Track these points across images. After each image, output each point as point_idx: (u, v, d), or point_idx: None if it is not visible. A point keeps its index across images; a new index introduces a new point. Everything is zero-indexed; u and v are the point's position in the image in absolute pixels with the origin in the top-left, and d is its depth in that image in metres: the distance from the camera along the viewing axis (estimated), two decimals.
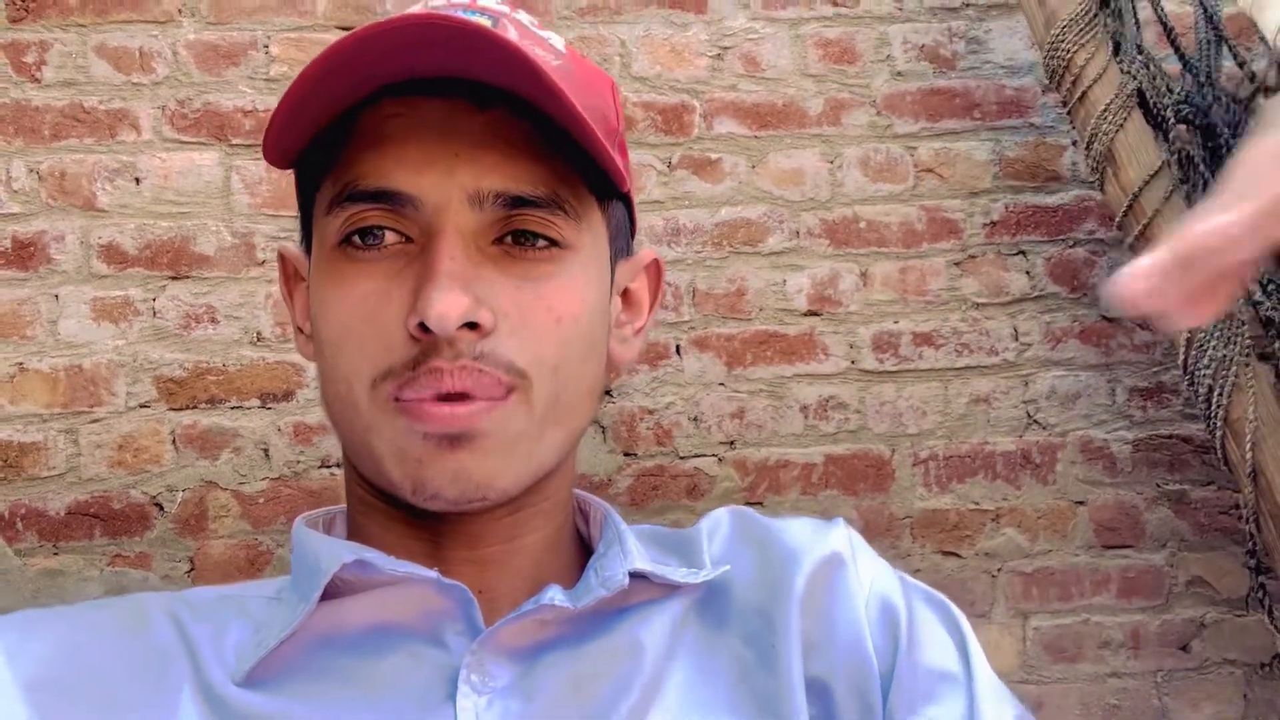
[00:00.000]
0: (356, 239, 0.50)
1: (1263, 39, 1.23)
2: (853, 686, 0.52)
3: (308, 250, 0.55)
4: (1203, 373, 1.18)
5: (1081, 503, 1.52)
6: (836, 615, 0.54)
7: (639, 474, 1.49)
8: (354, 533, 0.56)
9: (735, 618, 0.54)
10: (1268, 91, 1.33)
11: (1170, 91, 1.29)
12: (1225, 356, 1.17)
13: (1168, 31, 1.35)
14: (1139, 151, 1.23)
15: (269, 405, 1.46)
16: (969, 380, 1.53)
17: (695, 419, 1.50)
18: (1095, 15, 1.25)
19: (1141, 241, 1.25)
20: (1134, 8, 1.31)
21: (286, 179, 1.48)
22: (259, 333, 1.46)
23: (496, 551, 0.53)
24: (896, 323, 1.53)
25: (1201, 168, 1.25)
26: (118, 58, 1.47)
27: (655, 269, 0.61)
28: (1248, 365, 1.17)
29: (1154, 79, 1.27)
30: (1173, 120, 1.27)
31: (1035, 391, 1.53)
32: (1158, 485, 1.53)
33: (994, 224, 1.55)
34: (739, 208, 1.53)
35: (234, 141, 1.48)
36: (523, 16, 0.54)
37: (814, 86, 1.55)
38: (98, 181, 1.46)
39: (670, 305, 1.51)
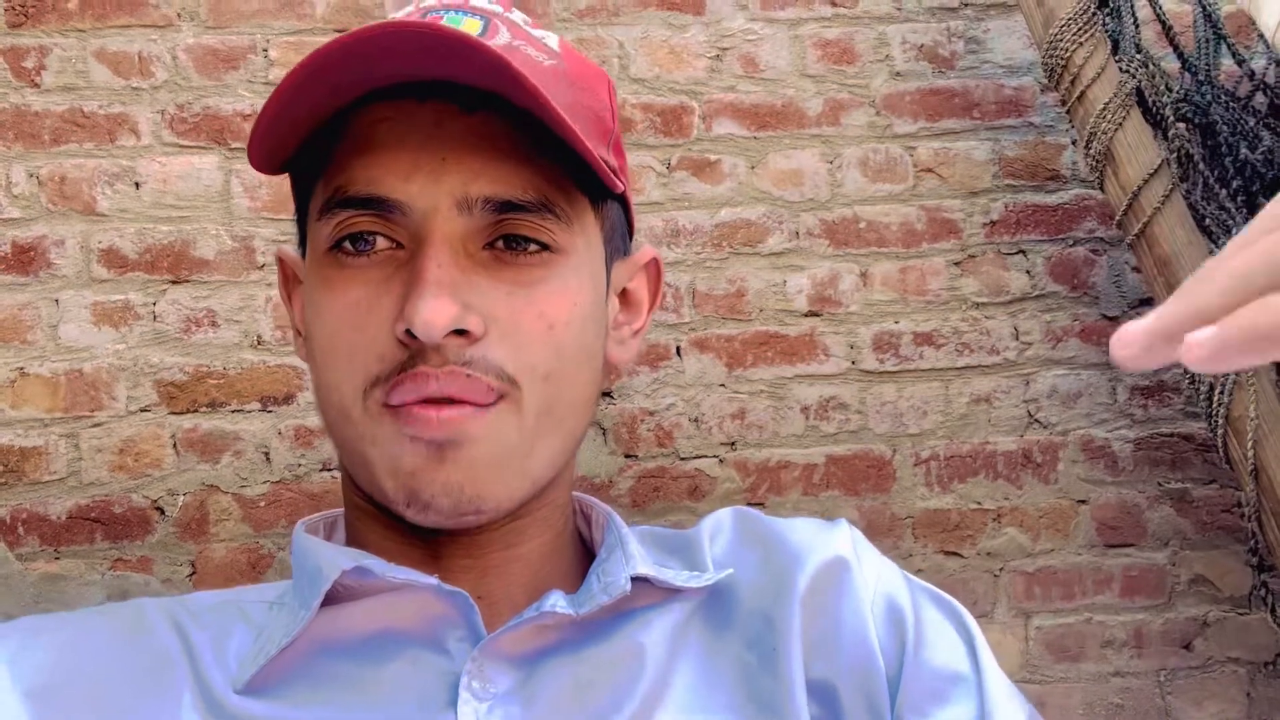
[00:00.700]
0: (347, 245, 0.50)
1: (1261, 37, 1.23)
2: (859, 688, 0.52)
3: (304, 252, 0.55)
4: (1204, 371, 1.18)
5: (1083, 502, 1.52)
6: (841, 617, 0.54)
7: (640, 475, 1.49)
8: (353, 538, 0.56)
9: (738, 620, 0.54)
10: (1267, 89, 1.33)
11: (1169, 90, 1.29)
12: None
13: (1166, 30, 1.35)
14: (1138, 150, 1.23)
15: (269, 408, 1.46)
16: (970, 380, 1.53)
17: (696, 420, 1.50)
18: (1093, 14, 1.25)
19: (1141, 240, 1.25)
20: (1132, 6, 1.31)
21: (286, 183, 1.48)
22: (259, 336, 1.46)
23: (496, 559, 0.53)
24: (897, 323, 1.53)
25: (1201, 166, 1.25)
26: (117, 62, 1.48)
27: (654, 267, 0.61)
28: None
29: (1153, 77, 1.27)
30: (1172, 118, 1.27)
31: (1036, 391, 1.53)
32: (1159, 484, 1.52)
33: (994, 223, 1.55)
34: (738, 209, 1.53)
35: (233, 145, 1.48)
36: (516, 16, 0.54)
37: (813, 87, 1.55)
38: (98, 186, 1.46)
39: (670, 306, 1.51)
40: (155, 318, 1.45)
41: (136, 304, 1.45)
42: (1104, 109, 1.23)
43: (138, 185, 1.47)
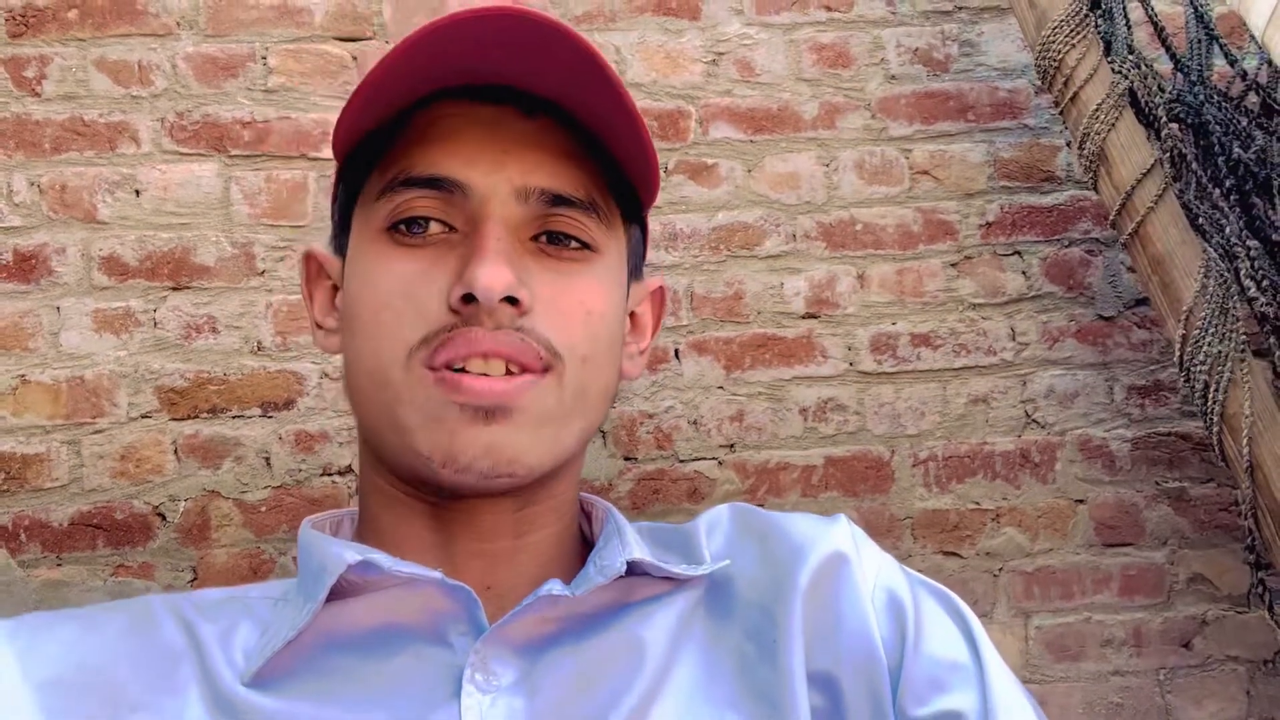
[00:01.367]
0: (403, 227, 0.52)
1: (1253, 37, 1.23)
2: (860, 679, 0.53)
3: (338, 248, 0.57)
4: (1199, 369, 1.19)
5: (1081, 501, 1.52)
6: (841, 610, 0.54)
7: (640, 478, 1.49)
8: (365, 527, 0.57)
9: (738, 612, 0.55)
10: (1259, 89, 1.34)
11: (1162, 90, 1.30)
12: (1221, 352, 1.17)
13: (1159, 31, 1.36)
14: (1131, 150, 1.24)
15: (270, 414, 1.46)
16: (967, 380, 1.53)
17: (695, 422, 1.50)
18: (1086, 16, 1.26)
19: (1135, 240, 1.26)
20: (1125, 8, 1.31)
21: (285, 189, 1.49)
22: (259, 342, 1.47)
23: (505, 546, 0.54)
24: (894, 324, 1.53)
25: (1194, 165, 1.25)
26: (117, 71, 1.48)
27: (659, 296, 0.65)
28: (1243, 361, 1.18)
29: (1145, 78, 1.28)
30: (1164, 119, 1.27)
31: (1033, 391, 1.53)
32: (1157, 483, 1.53)
33: (989, 225, 1.55)
34: (736, 212, 1.53)
35: (233, 153, 1.49)
36: None
37: (809, 91, 1.56)
38: (98, 194, 1.47)
39: (669, 309, 1.52)
40: (156, 324, 1.46)
41: (137, 311, 1.46)
42: (1097, 110, 1.24)
43: (138, 193, 1.48)
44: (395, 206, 0.52)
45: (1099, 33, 1.29)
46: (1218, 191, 1.24)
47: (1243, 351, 1.18)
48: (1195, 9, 1.34)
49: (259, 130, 1.49)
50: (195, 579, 1.44)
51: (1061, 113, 1.31)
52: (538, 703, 0.49)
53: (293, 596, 0.54)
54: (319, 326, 0.59)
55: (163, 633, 0.51)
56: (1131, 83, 1.26)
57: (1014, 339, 1.54)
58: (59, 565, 1.42)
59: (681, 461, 1.50)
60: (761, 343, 1.52)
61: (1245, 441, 1.14)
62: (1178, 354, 1.21)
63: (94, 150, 1.47)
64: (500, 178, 0.52)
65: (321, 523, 0.58)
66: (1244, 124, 1.28)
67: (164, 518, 1.44)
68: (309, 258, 0.61)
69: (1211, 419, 1.18)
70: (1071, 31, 1.25)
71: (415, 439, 0.50)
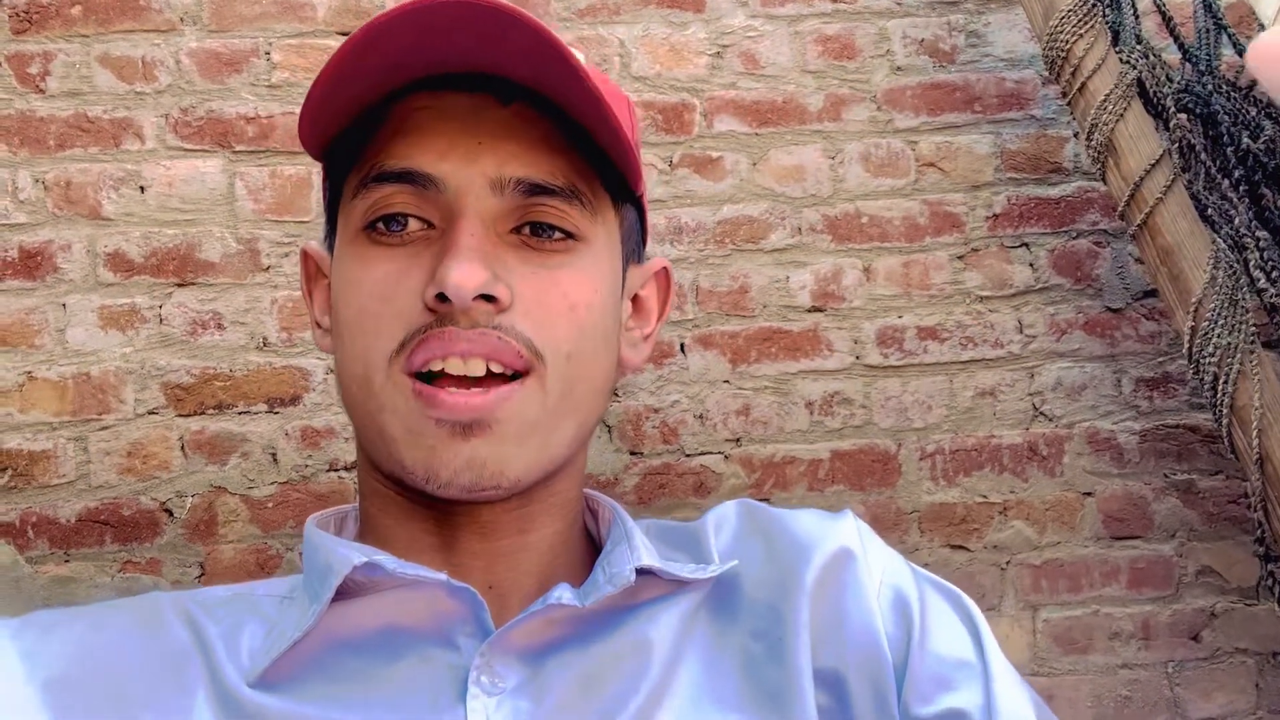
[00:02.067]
0: (380, 225, 0.51)
1: (1262, 26, 1.22)
2: (866, 676, 0.52)
3: (330, 246, 0.56)
4: (1208, 360, 1.18)
5: (1089, 494, 1.52)
6: (847, 607, 0.54)
7: (646, 472, 1.49)
8: (366, 526, 0.57)
9: (743, 611, 0.55)
10: None
11: (1170, 81, 1.29)
12: (1230, 344, 1.16)
13: (1167, 21, 1.35)
14: (1139, 141, 1.23)
15: (276, 410, 1.46)
16: (974, 373, 1.53)
17: (701, 417, 1.50)
18: (1093, 5, 1.25)
19: (1144, 231, 1.25)
20: None
21: (290, 185, 1.49)
22: (265, 338, 1.47)
23: (507, 545, 0.54)
24: (900, 317, 1.53)
25: (1202, 156, 1.25)
26: (121, 67, 1.48)
27: (665, 277, 0.63)
28: (1253, 352, 1.17)
29: (1153, 68, 1.27)
30: (1173, 109, 1.27)
31: (1041, 383, 1.53)
32: (1165, 475, 1.52)
33: (996, 217, 1.55)
34: (741, 205, 1.53)
35: (237, 148, 1.49)
36: None
37: (814, 83, 1.55)
38: (103, 190, 1.47)
39: (674, 303, 1.51)
40: (162, 320, 1.46)
41: (143, 307, 1.46)
42: (1105, 100, 1.23)
43: (143, 189, 1.48)
44: (371, 204, 0.51)
45: (1106, 22, 1.29)
46: (1226, 182, 1.23)
47: (1252, 343, 1.17)
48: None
49: (263, 125, 1.49)
50: (203, 575, 1.44)
51: (1069, 103, 1.30)
52: (544, 706, 0.49)
53: (298, 595, 0.54)
54: (318, 326, 0.59)
55: (170, 632, 0.51)
56: (1140, 73, 1.25)
57: (1021, 331, 1.53)
58: (67, 561, 1.42)
59: (687, 456, 1.50)
60: (767, 336, 1.52)
61: (1255, 433, 1.14)
62: (1186, 346, 1.20)
63: (98, 147, 1.47)
64: (474, 170, 0.50)
65: (326, 520, 0.58)
66: (1253, 114, 1.27)
67: (171, 514, 1.44)
68: (306, 256, 0.60)
69: (1221, 411, 1.17)
70: (1079, 21, 1.24)
71: (399, 449, 0.50)
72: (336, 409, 1.46)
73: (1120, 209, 1.26)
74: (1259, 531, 1.23)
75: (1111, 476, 1.52)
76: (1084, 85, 1.25)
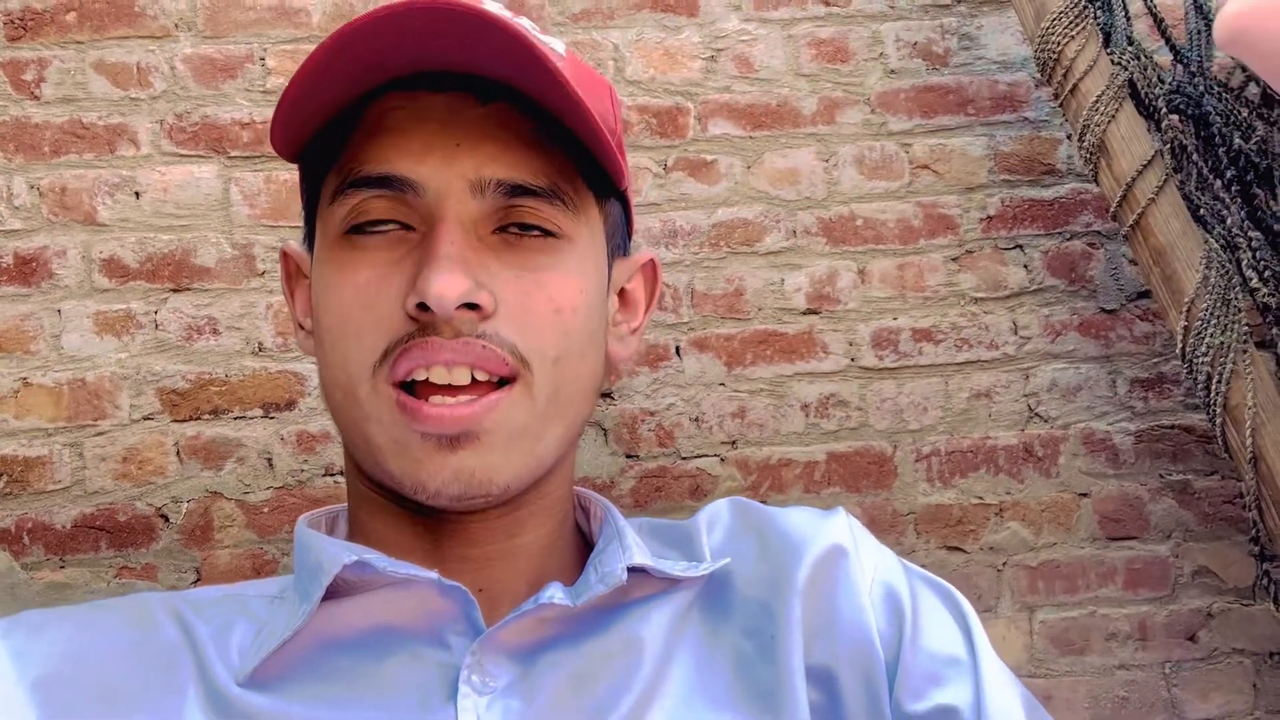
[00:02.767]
0: (360, 229, 0.50)
1: None
2: (858, 673, 0.52)
3: (311, 247, 0.56)
4: (1201, 360, 1.18)
5: (1085, 495, 1.52)
6: (839, 604, 0.54)
7: (641, 475, 1.49)
8: (356, 529, 0.56)
9: (736, 609, 0.55)
10: (1259, 80, 1.33)
11: (1162, 82, 1.29)
12: (1223, 343, 1.17)
13: (1158, 22, 1.35)
14: (1131, 142, 1.23)
15: (272, 415, 1.46)
16: (969, 375, 1.53)
17: (696, 419, 1.50)
18: (1084, 7, 1.26)
19: (1136, 232, 1.26)
20: (1123, 0, 1.31)
21: (285, 190, 1.49)
22: (260, 343, 1.47)
23: (497, 549, 0.53)
24: (895, 319, 1.53)
25: (1194, 156, 1.25)
26: (115, 73, 1.49)
27: (651, 269, 0.62)
28: (1245, 352, 1.17)
29: (1145, 70, 1.27)
30: (1164, 110, 1.27)
31: (1036, 385, 1.53)
32: (1161, 476, 1.52)
33: (990, 218, 1.55)
34: (735, 208, 1.53)
35: (232, 154, 1.49)
36: (524, 22, 0.55)
37: (808, 86, 1.56)
38: (98, 196, 1.47)
39: (669, 306, 1.51)
40: (157, 326, 1.46)
41: (138, 313, 1.46)
42: (1096, 102, 1.23)
43: (138, 195, 1.48)
44: (350, 210, 0.50)
45: (1098, 24, 1.29)
46: (1219, 182, 1.23)
47: (1245, 342, 1.18)
48: (1196, 3, 1.34)
49: (258, 131, 1.49)
50: (198, 580, 1.44)
51: (1061, 105, 1.31)
52: (535, 704, 0.49)
53: (289, 595, 0.53)
54: (300, 327, 0.58)
55: (160, 631, 0.51)
56: (1131, 74, 1.26)
57: (1016, 333, 1.53)
58: (62, 568, 1.42)
59: (683, 459, 1.50)
60: (763, 339, 1.52)
61: (1248, 432, 1.14)
62: (1180, 345, 1.21)
63: (93, 153, 1.47)
64: (453, 172, 0.49)
65: (317, 520, 0.58)
66: (1245, 114, 1.27)
67: (167, 519, 1.44)
68: (286, 256, 0.59)
69: (1214, 410, 1.17)
70: (1070, 23, 1.25)
71: (386, 459, 0.50)
72: None
73: (1113, 210, 1.27)
74: (1254, 531, 1.23)
75: (1107, 477, 1.52)
76: (1076, 87, 1.26)
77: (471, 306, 0.48)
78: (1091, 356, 1.54)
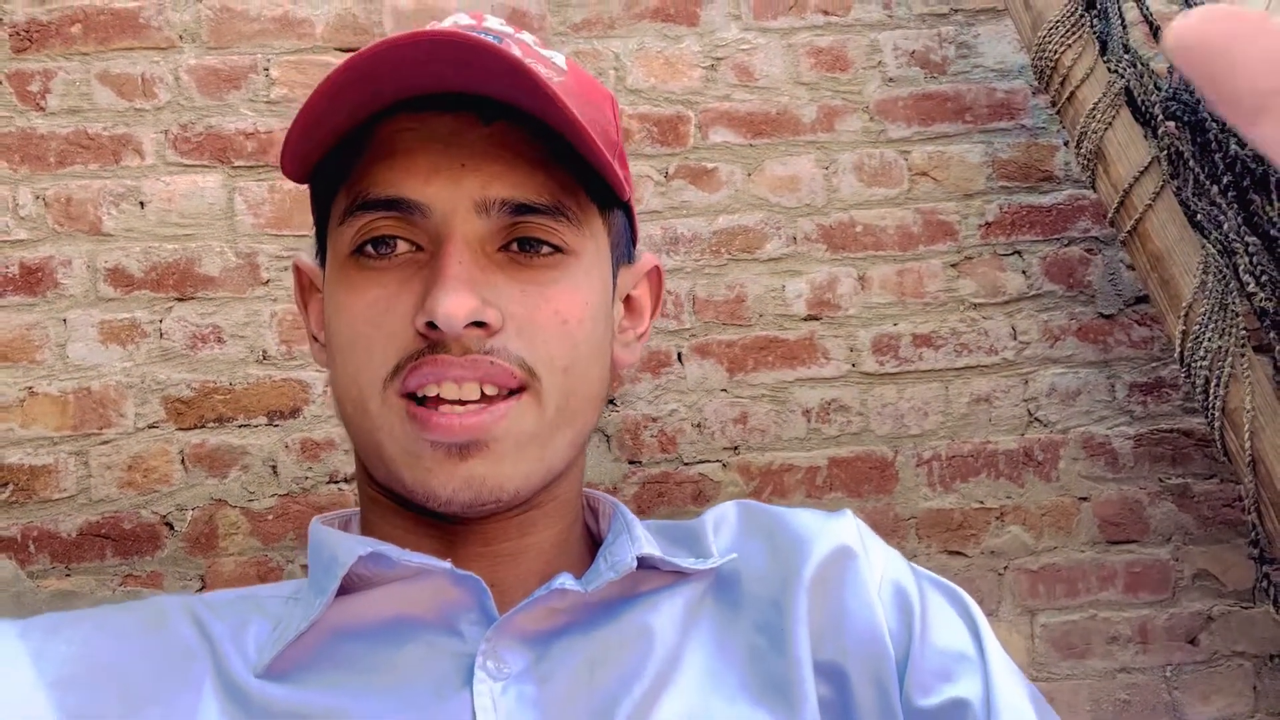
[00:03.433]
0: (369, 248, 0.52)
1: None
2: (868, 670, 0.53)
3: (322, 262, 0.57)
4: (1199, 364, 1.19)
5: (1085, 499, 1.53)
6: (848, 604, 0.55)
7: (644, 481, 1.50)
8: (367, 531, 0.57)
9: (746, 606, 0.55)
10: None
11: (1158, 89, 1.30)
12: (1221, 348, 1.18)
13: (1153, 29, 1.37)
14: (1128, 148, 1.25)
15: (276, 423, 1.47)
16: (969, 380, 1.54)
17: (698, 425, 1.51)
18: (1081, 16, 1.27)
19: (1134, 237, 1.27)
20: (1120, 8, 1.32)
21: (289, 199, 1.50)
22: (265, 351, 1.48)
23: (508, 548, 0.54)
24: (896, 325, 1.54)
25: (1191, 163, 1.26)
26: (120, 84, 1.50)
27: (656, 275, 0.63)
28: (1243, 355, 1.18)
29: (1141, 77, 1.28)
30: (1161, 117, 1.28)
31: (1035, 389, 1.54)
32: (1160, 480, 1.53)
33: (989, 225, 1.56)
34: (736, 215, 1.54)
35: (236, 163, 1.50)
36: (526, 37, 0.56)
37: (807, 94, 1.57)
38: (103, 206, 1.48)
39: (671, 313, 1.52)
40: (162, 335, 1.47)
41: (143, 322, 1.47)
42: (1094, 109, 1.25)
43: (143, 205, 1.49)
44: (358, 229, 0.52)
45: (1094, 32, 1.30)
46: (1215, 188, 1.25)
47: (1243, 346, 1.19)
48: (1190, 6, 1.35)
49: (262, 141, 1.50)
50: (203, 587, 1.44)
51: (1059, 112, 1.32)
52: (549, 689, 0.50)
53: (303, 594, 0.54)
54: (315, 340, 0.59)
55: (176, 630, 0.52)
56: (1128, 81, 1.27)
57: (1015, 338, 1.54)
58: (68, 575, 1.42)
59: (686, 464, 1.51)
60: (764, 345, 1.53)
61: (1247, 436, 1.15)
62: (1178, 350, 1.22)
63: (98, 163, 1.48)
64: (459, 193, 0.50)
65: (330, 520, 0.58)
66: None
67: (172, 527, 1.45)
68: (298, 270, 0.61)
69: (1213, 414, 1.18)
70: (1067, 32, 1.26)
71: (397, 469, 0.51)
72: (336, 421, 1.46)
73: (1110, 216, 1.28)
74: (1253, 534, 1.24)
75: (1107, 481, 1.53)
76: (1073, 94, 1.27)
77: (479, 324, 0.49)
78: (1090, 361, 1.55)
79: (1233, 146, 1.25)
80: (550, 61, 0.55)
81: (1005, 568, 1.52)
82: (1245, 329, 1.20)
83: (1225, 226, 1.22)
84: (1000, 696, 0.52)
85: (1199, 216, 1.25)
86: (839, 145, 1.56)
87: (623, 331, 0.60)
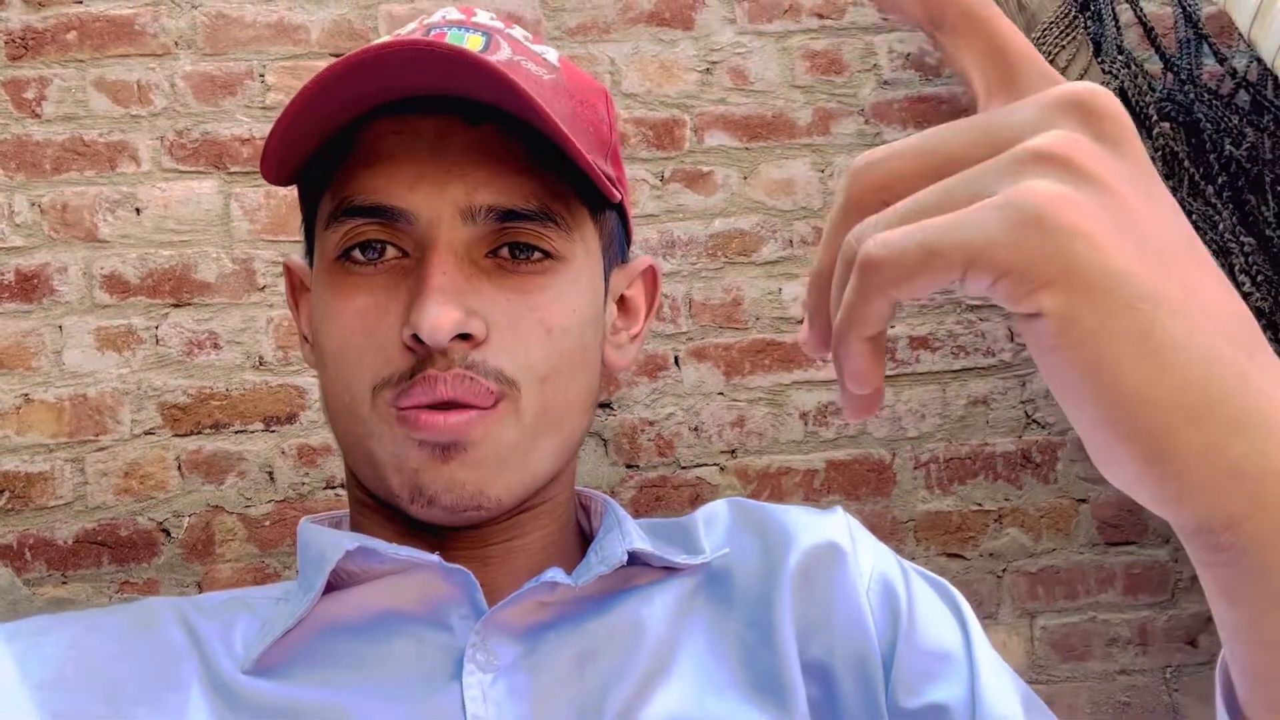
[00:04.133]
0: (356, 253, 0.51)
1: (1241, 35, 1.24)
2: (854, 668, 0.53)
3: (311, 262, 0.57)
4: None
5: (1083, 500, 1.53)
6: (836, 601, 0.55)
7: (642, 485, 1.50)
8: (357, 531, 0.57)
9: (737, 601, 0.55)
10: (1249, 87, 1.35)
11: (1152, 90, 1.31)
12: None
13: (1148, 31, 1.37)
14: None
15: (272, 428, 1.47)
16: (966, 382, 1.54)
17: (696, 429, 1.51)
18: (1075, 18, 1.27)
19: None
20: (1113, 9, 1.33)
21: (285, 205, 1.50)
22: (261, 357, 1.48)
23: (498, 550, 0.54)
24: (892, 327, 1.54)
25: (1186, 163, 1.26)
26: (116, 91, 1.50)
27: (651, 275, 0.62)
28: None
29: (1136, 78, 1.29)
30: (1156, 118, 1.29)
31: (1033, 391, 1.54)
32: None
33: None
34: (732, 219, 1.54)
35: (232, 169, 1.50)
36: (517, 32, 0.55)
37: (802, 97, 1.57)
38: (99, 213, 1.48)
39: (668, 317, 1.52)
40: (158, 341, 1.47)
41: (139, 328, 1.47)
42: None
43: (138, 211, 1.49)
44: (344, 234, 0.51)
45: (1088, 34, 1.31)
46: (1210, 188, 1.25)
47: None
48: (1184, 9, 1.35)
49: (258, 147, 1.50)
50: (200, 594, 1.44)
51: None
52: (540, 680, 0.50)
53: (293, 595, 0.54)
54: (305, 340, 0.58)
55: (164, 632, 0.52)
56: (1122, 82, 1.27)
57: (1012, 340, 1.54)
58: (64, 583, 1.42)
59: (683, 468, 1.50)
60: (761, 348, 1.53)
61: None
62: None
63: (94, 170, 1.48)
64: (444, 200, 0.50)
65: (320, 519, 0.58)
66: (1235, 121, 1.29)
67: (168, 533, 1.44)
68: (289, 270, 0.61)
69: None
70: (1061, 33, 1.26)
71: (386, 473, 0.51)
72: None
73: None
74: None
75: (1105, 483, 1.53)
76: None
77: (464, 336, 0.49)
78: None
79: (1227, 147, 1.25)
80: (541, 58, 0.54)
81: (1004, 570, 1.51)
82: None
83: (1221, 226, 1.22)
84: (987, 698, 0.52)
85: (1194, 217, 1.25)
86: (834, 148, 1.56)
87: (615, 333, 0.60)
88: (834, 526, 0.58)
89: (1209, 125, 1.28)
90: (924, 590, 0.57)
